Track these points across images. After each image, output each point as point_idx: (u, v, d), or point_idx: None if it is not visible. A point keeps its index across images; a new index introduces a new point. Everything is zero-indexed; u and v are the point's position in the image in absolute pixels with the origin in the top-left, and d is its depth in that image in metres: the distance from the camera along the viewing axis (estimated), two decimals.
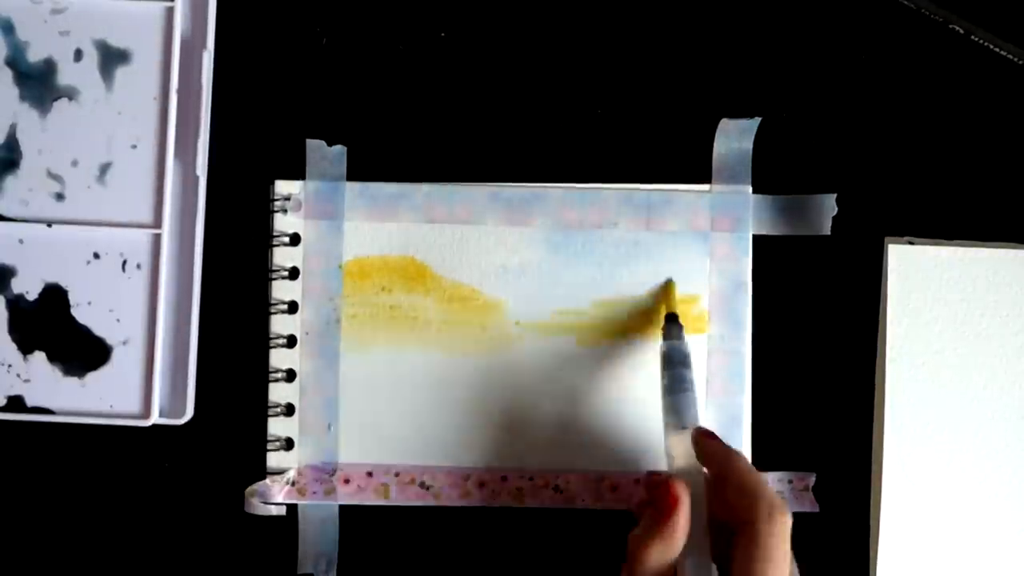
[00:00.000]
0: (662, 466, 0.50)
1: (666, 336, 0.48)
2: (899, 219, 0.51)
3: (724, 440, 0.45)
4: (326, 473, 0.50)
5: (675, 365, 0.47)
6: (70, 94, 0.50)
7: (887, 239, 0.50)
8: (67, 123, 0.50)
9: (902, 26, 0.51)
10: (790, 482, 0.51)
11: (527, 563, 0.51)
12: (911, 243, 0.50)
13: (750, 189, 0.51)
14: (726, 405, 0.50)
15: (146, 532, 0.51)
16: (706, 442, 0.45)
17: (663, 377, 0.48)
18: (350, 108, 0.51)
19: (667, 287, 0.50)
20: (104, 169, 0.50)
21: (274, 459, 0.50)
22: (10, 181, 0.50)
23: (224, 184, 0.51)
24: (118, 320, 0.50)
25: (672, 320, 0.49)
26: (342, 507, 0.50)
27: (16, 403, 0.50)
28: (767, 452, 0.51)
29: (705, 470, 0.45)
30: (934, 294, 0.50)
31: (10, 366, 0.50)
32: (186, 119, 0.50)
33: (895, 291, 0.50)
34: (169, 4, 0.50)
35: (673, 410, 0.46)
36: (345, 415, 0.50)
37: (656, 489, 0.43)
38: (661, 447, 0.50)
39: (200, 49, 0.50)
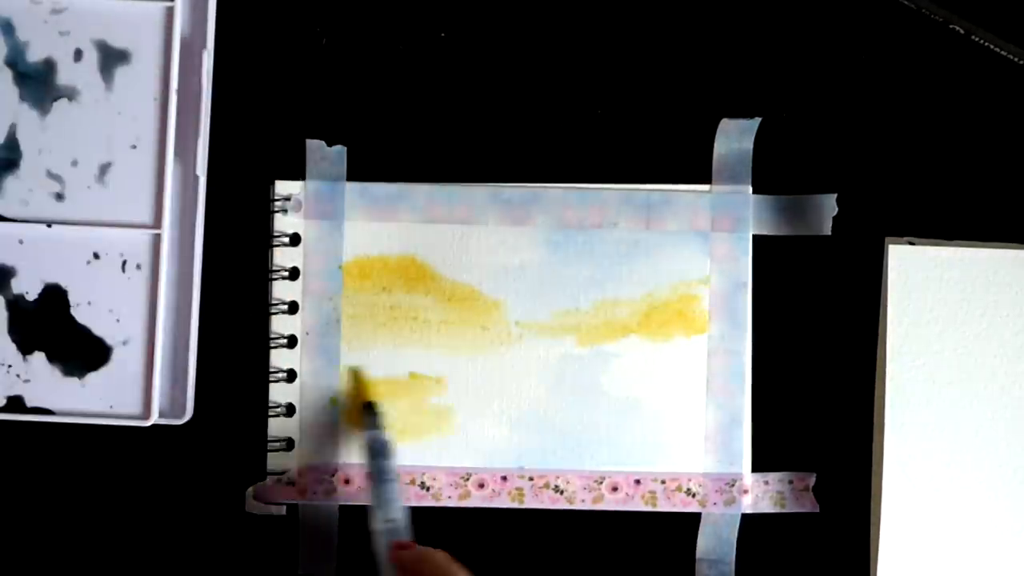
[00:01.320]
0: (660, 467, 0.51)
1: (366, 426, 0.49)
2: (899, 219, 0.51)
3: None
4: (326, 473, 0.50)
5: (376, 455, 0.48)
6: (70, 94, 0.50)
7: (887, 239, 0.50)
8: (67, 123, 0.50)
9: (902, 26, 0.51)
10: (790, 482, 0.51)
11: (527, 563, 0.51)
12: (911, 243, 0.50)
13: (750, 189, 0.51)
14: (726, 405, 0.50)
15: (146, 532, 0.51)
16: (400, 554, 0.44)
17: (367, 465, 0.48)
18: (350, 108, 0.51)
19: (353, 375, 0.50)
20: (104, 169, 0.50)
21: (274, 459, 0.50)
22: (10, 181, 0.50)
23: (224, 184, 0.51)
24: (118, 320, 0.50)
25: (369, 409, 0.49)
26: (342, 507, 0.50)
27: (16, 403, 0.50)
28: (767, 452, 0.51)
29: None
30: (934, 294, 0.50)
31: (10, 366, 0.50)
32: (186, 119, 0.50)
33: (895, 291, 0.50)
34: (169, 4, 0.50)
35: (378, 502, 0.46)
36: (345, 414, 0.50)
37: None
38: (662, 447, 0.51)
39: (200, 49, 0.50)
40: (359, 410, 0.49)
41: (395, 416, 0.50)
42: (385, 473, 0.47)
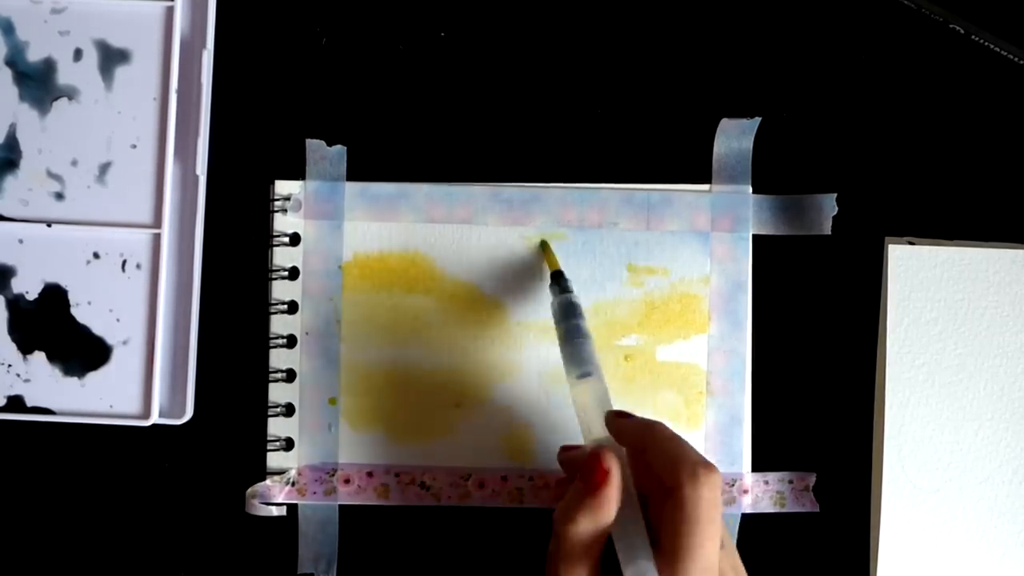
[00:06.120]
0: None
1: (558, 292, 0.48)
2: (899, 219, 0.51)
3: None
4: (326, 473, 0.50)
5: (569, 317, 0.47)
6: (70, 94, 0.50)
7: (887, 239, 0.50)
8: (67, 123, 0.50)
9: (902, 26, 0.51)
10: (790, 482, 0.51)
11: (527, 563, 0.51)
12: (911, 243, 0.50)
13: (750, 189, 0.51)
14: (726, 405, 0.50)
15: (146, 532, 0.51)
16: (620, 423, 0.43)
17: (558, 329, 0.47)
18: (350, 108, 0.51)
19: (543, 247, 0.50)
20: (104, 169, 0.50)
21: (274, 459, 0.50)
22: (10, 181, 0.50)
23: (224, 184, 0.51)
24: (118, 320, 0.50)
25: (558, 276, 0.49)
26: (342, 507, 0.50)
27: (16, 403, 0.50)
28: (767, 452, 0.51)
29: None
30: (934, 294, 0.50)
31: (10, 366, 0.50)
32: (186, 119, 0.50)
33: (895, 291, 0.50)
34: (169, 4, 0.50)
35: (572, 359, 0.45)
36: (345, 415, 0.51)
37: (584, 461, 0.41)
38: None
39: (200, 49, 0.50)
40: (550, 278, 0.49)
41: (395, 416, 0.50)
42: (578, 332, 0.46)
